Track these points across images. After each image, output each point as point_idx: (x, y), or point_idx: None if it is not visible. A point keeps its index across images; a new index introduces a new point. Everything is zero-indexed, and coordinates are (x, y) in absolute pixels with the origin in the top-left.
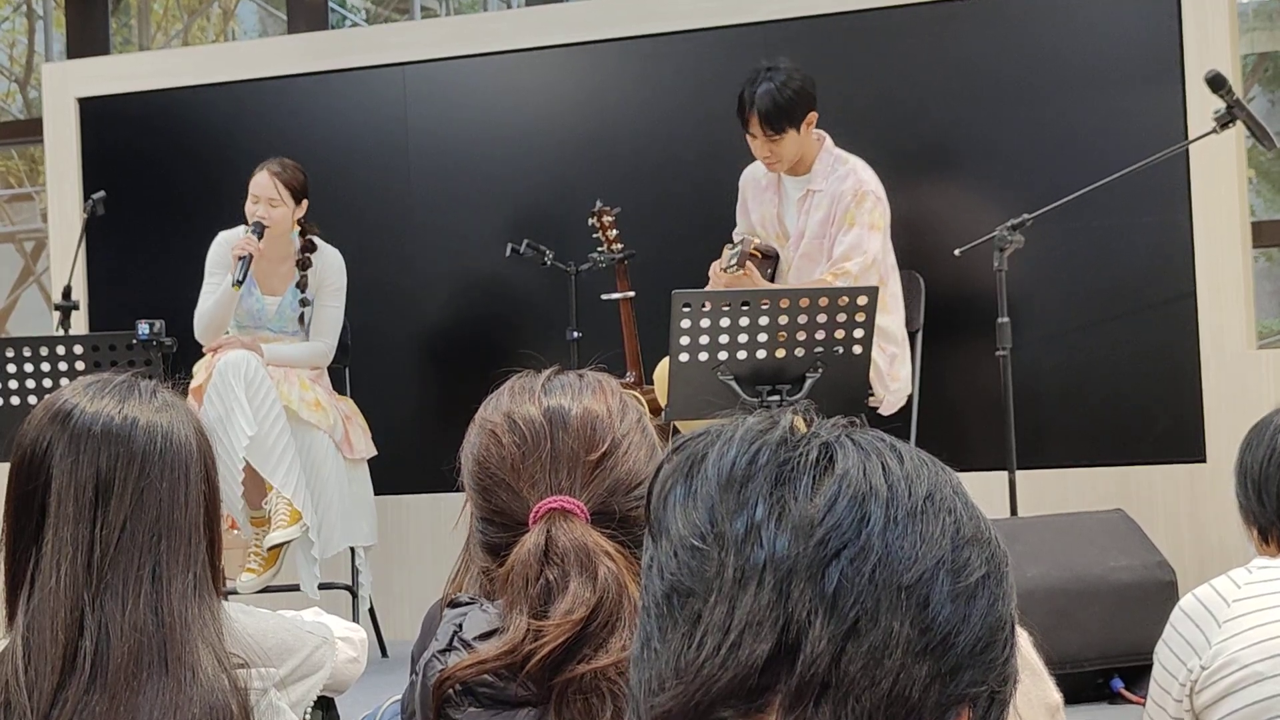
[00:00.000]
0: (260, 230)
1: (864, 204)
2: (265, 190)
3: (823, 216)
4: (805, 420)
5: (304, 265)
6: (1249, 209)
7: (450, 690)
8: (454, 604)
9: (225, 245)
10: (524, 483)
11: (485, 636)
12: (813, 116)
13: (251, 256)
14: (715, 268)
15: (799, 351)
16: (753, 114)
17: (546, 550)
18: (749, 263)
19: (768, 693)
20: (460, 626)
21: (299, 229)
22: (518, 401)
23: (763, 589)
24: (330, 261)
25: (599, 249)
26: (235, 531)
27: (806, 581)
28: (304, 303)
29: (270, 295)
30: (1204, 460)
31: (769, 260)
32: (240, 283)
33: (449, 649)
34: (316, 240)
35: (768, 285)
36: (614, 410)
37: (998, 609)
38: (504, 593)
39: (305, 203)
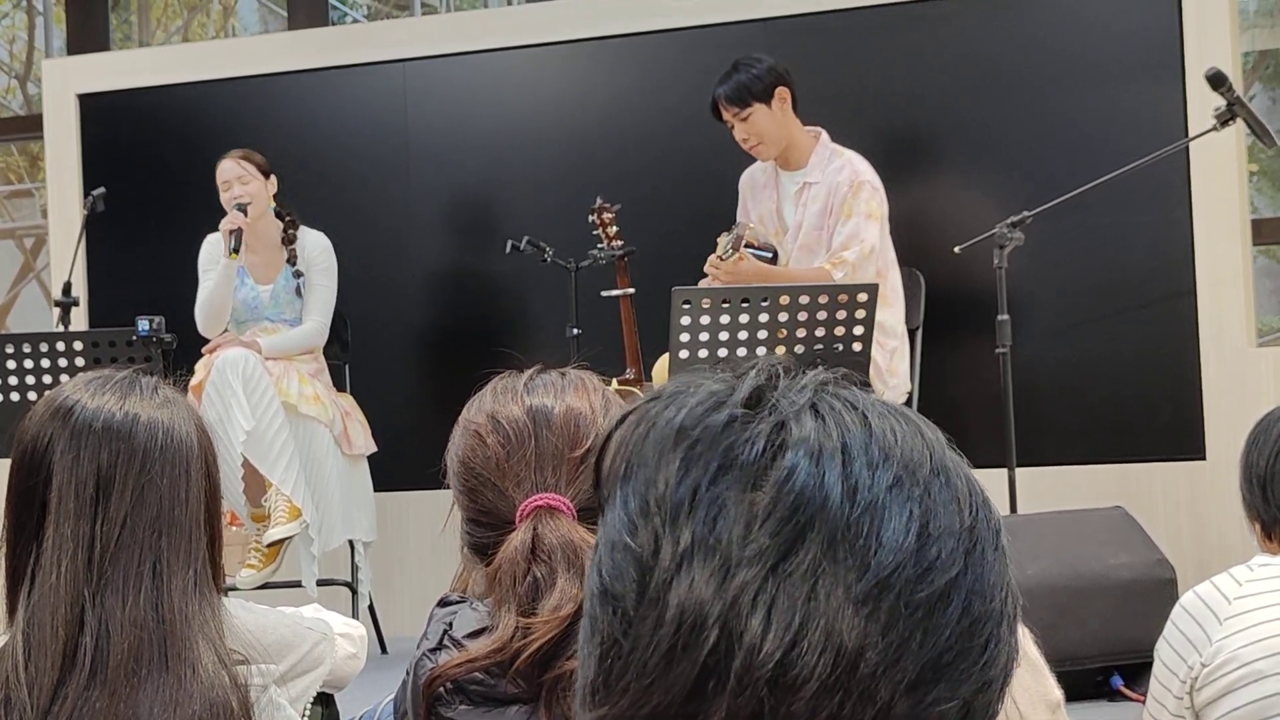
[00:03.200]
0: (244, 208)
1: (860, 194)
2: (232, 172)
3: (820, 208)
4: (775, 376)
5: (289, 241)
6: (1249, 206)
7: (442, 689)
8: (444, 603)
9: (215, 246)
10: (509, 482)
11: (475, 635)
12: (783, 92)
13: (241, 230)
14: (711, 260)
15: (799, 349)
16: (719, 100)
17: (534, 548)
18: (744, 249)
19: None
20: (450, 625)
21: (275, 210)
22: (501, 402)
23: (681, 631)
24: (316, 242)
25: (599, 246)
26: (236, 528)
27: (741, 596)
28: (298, 274)
29: (264, 284)
30: (1204, 458)
31: (765, 256)
32: (236, 251)
33: (439, 648)
34: (297, 222)
35: (765, 268)
36: (597, 407)
37: (974, 609)
38: (492, 591)
39: (274, 178)
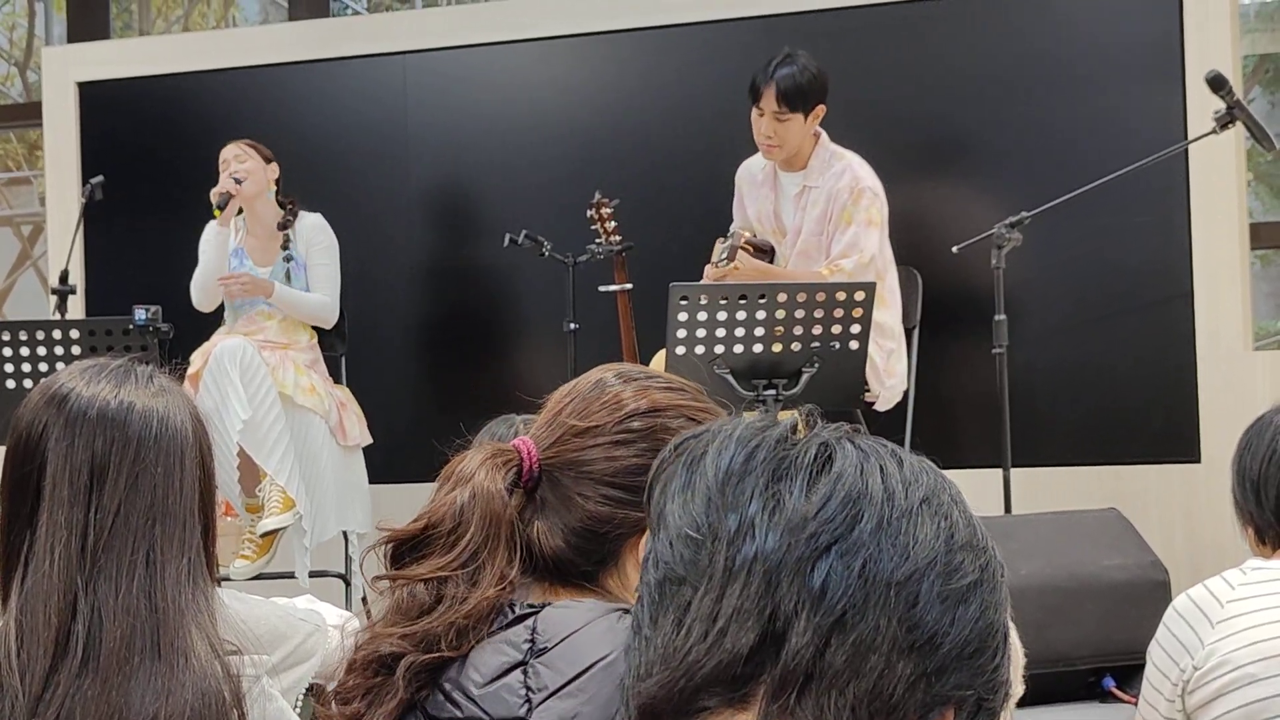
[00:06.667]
0: (238, 180)
1: (861, 200)
2: (230, 152)
3: (819, 213)
4: (807, 422)
5: (284, 226)
6: (1247, 210)
7: None
8: None
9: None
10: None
11: None
12: (820, 110)
13: (231, 195)
14: (708, 271)
15: (795, 346)
16: (769, 87)
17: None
18: (740, 254)
19: (752, 682)
20: None
21: (277, 197)
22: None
23: (751, 580)
24: (313, 224)
25: (597, 241)
26: (230, 518)
27: (795, 575)
28: (287, 259)
29: (263, 266)
30: (1198, 461)
31: (763, 254)
32: (222, 208)
33: None
34: (297, 209)
35: (762, 266)
36: (637, 407)
37: (989, 616)
38: None
39: (275, 165)
